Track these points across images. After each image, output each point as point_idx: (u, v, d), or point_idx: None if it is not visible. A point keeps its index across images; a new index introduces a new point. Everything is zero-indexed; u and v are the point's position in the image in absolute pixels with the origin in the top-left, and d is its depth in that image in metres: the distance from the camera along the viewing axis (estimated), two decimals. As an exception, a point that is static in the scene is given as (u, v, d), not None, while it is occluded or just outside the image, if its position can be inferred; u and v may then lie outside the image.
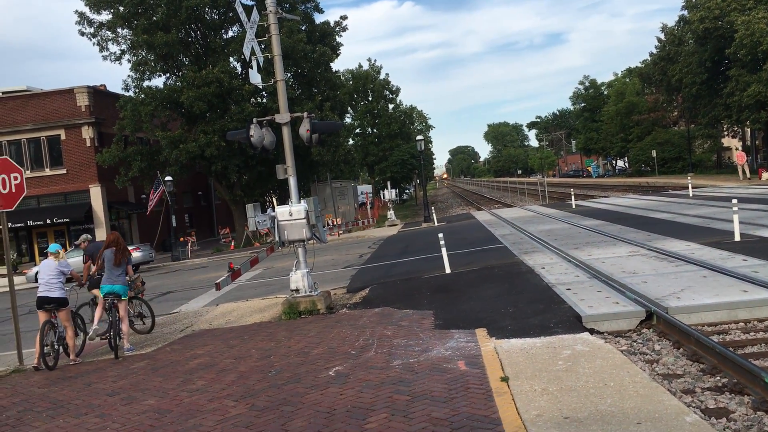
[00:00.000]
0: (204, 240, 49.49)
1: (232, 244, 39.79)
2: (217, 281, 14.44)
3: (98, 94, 41.78)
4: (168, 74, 41.07)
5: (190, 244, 38.63)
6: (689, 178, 39.19)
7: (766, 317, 8.71)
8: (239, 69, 40.69)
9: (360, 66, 76.11)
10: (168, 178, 36.25)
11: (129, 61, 39.46)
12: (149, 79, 39.73)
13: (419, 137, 40.29)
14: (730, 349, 7.17)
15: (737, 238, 14.53)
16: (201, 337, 11.95)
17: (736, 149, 60.31)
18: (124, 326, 11.44)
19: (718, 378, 6.71)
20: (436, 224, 34.26)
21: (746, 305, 8.88)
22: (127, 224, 43.83)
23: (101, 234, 37.09)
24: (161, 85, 39.54)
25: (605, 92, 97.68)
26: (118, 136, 38.46)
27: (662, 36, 59.79)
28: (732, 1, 45.22)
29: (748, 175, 41.70)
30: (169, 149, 36.98)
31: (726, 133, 62.79)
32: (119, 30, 39.52)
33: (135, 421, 7.24)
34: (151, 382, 8.98)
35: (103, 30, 39.36)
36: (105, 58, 40.11)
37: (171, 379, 8.93)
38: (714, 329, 8.55)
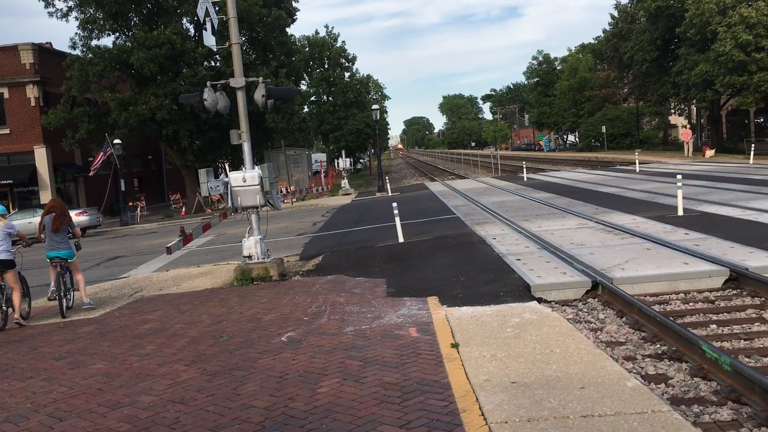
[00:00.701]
0: (154, 205, 48.59)
1: (183, 209, 39.20)
2: (168, 245, 14.25)
3: (44, 52, 40.29)
4: (117, 34, 39.86)
5: (139, 209, 37.90)
6: (636, 154, 40.15)
7: (705, 288, 9.07)
8: (192, 31, 39.75)
9: (317, 33, 75.21)
10: (117, 141, 35.39)
11: (76, 18, 38.11)
12: (98, 38, 38.55)
13: (375, 106, 40.20)
14: (670, 318, 7.46)
15: (680, 212, 15.00)
16: (151, 302, 11.82)
17: (683, 127, 61.86)
18: (81, 283, 11.74)
19: (659, 346, 6.99)
20: (390, 194, 34.38)
21: (687, 277, 9.22)
22: (73, 187, 42.70)
23: (46, 197, 36.07)
24: (110, 45, 38.42)
25: (559, 67, 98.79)
26: (65, 96, 37.20)
27: (615, 13, 60.58)
28: (684, -19, 45.99)
29: (691, 152, 42.90)
30: (118, 111, 35.99)
31: (673, 111, 64.32)
32: (66, -15, 38.07)
33: (83, 384, 7.16)
34: (99, 346, 8.87)
35: (49, -16, 37.85)
36: (51, 14, 38.65)
37: (120, 344, 8.84)
38: (656, 299, 8.87)
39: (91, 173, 36.97)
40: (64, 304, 11.27)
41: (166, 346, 8.41)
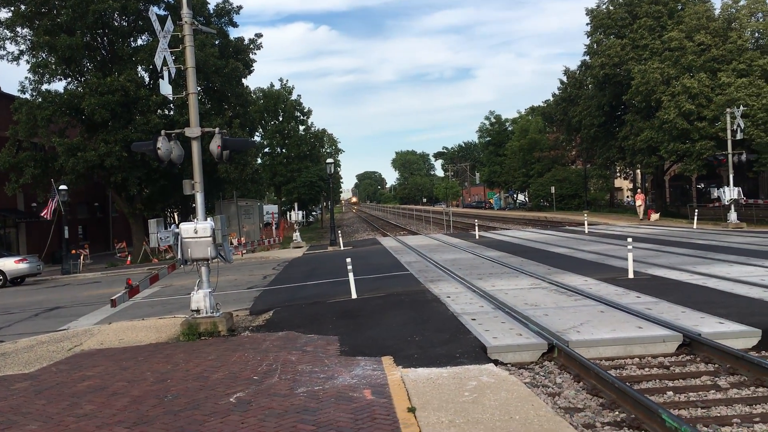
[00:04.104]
0: (98, 253, 47.20)
1: (129, 259, 38.13)
2: (112, 297, 13.67)
3: (-9, 94, 39.37)
4: (69, 79, 39.22)
5: (82, 257, 36.66)
6: (585, 215, 41.02)
7: (659, 353, 9.09)
8: (147, 79, 39.40)
9: (272, 85, 75.61)
10: (63, 186, 34.43)
11: (28, 62, 37.41)
12: (49, 83, 37.79)
13: (329, 160, 40.30)
14: (628, 384, 7.40)
15: (631, 275, 15.21)
16: (91, 357, 11.25)
17: (630, 190, 63.74)
18: None
19: (617, 413, 6.89)
20: (342, 248, 34.15)
21: (641, 341, 9.23)
22: (14, 233, 41.23)
23: (-16, 242, 34.65)
24: (62, 90, 37.70)
25: (510, 128, 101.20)
26: (10, 140, 36.23)
27: (565, 78, 62.70)
28: (630, 50, 48.03)
29: (643, 215, 44.10)
30: (65, 157, 35.11)
31: (619, 174, 66.31)
32: (18, 29, 37.47)
33: (13, 448, 6.66)
34: (34, 405, 8.32)
35: (1, 28, 37.21)
36: (1, 57, 37.88)
37: (56, 403, 8.32)
38: (611, 363, 8.83)
39: (49, 217, 35.55)
40: None
41: (106, 406, 7.94)
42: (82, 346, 12.30)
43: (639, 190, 52.88)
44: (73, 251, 35.70)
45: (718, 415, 6.74)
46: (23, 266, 29.81)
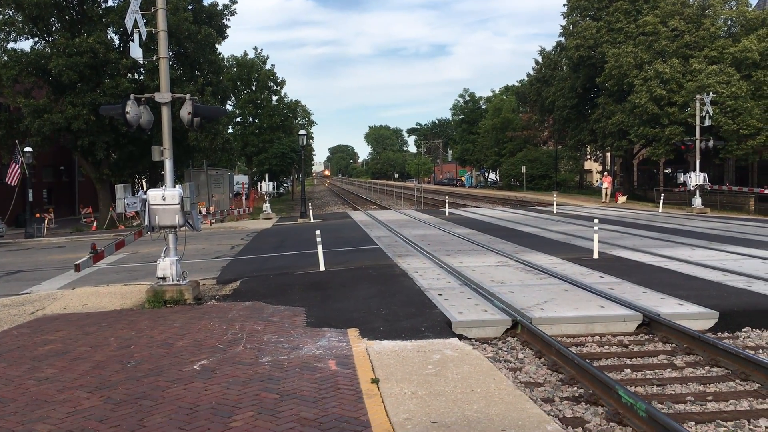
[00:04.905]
0: (63, 218, 46.41)
1: (95, 224, 37.54)
2: (76, 262, 13.53)
3: (-47, 51, 38.10)
4: (37, 38, 38.16)
5: (46, 221, 36.03)
6: (554, 195, 41.42)
7: (619, 332, 9.29)
8: (117, 42, 38.53)
9: (245, 54, 74.48)
10: (28, 149, 33.65)
11: (-7, 19, 36.29)
12: (15, 41, 36.76)
13: (302, 132, 39.88)
14: (587, 360, 7.56)
15: (596, 255, 15.45)
16: (53, 321, 11.13)
17: (599, 172, 64.46)
18: None
19: (576, 388, 7.05)
20: (312, 221, 34.08)
21: (602, 320, 9.42)
22: (-24, 195, 40.28)
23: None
24: (28, 49, 36.70)
25: (484, 107, 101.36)
26: (-26, 99, 35.29)
27: (540, 59, 62.83)
28: (605, 33, 48.23)
29: (608, 198, 44.65)
30: (31, 118, 34.29)
31: (589, 156, 66.99)
32: (-17, -15, 36.28)
33: (-28, 410, 6.59)
34: (-6, 368, 8.23)
35: (-35, -17, 35.98)
36: (-35, 13, 36.68)
37: (16, 366, 8.23)
38: (572, 341, 9.00)
39: (11, 182, 34.74)
40: None
41: (67, 370, 7.88)
42: (45, 311, 12.15)
43: (606, 173, 53.43)
44: (38, 215, 35.07)
45: (673, 393, 6.93)
46: (-15, 228, 29.21)
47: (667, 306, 9.84)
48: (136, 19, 12.55)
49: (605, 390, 6.52)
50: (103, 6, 39.39)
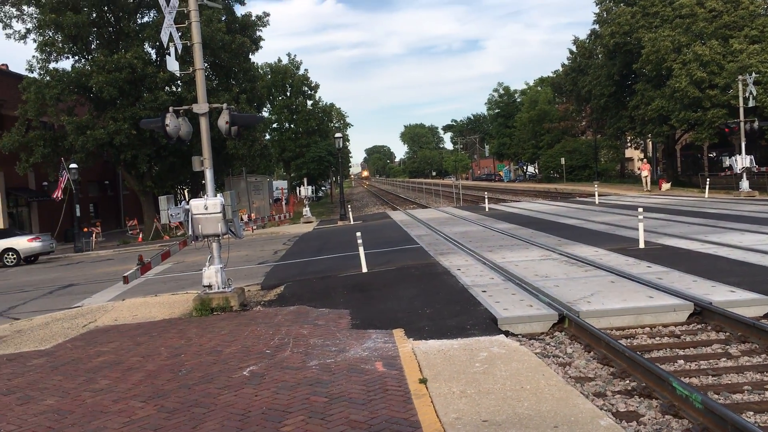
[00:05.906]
0: (110, 231, 47.50)
1: (140, 236, 38.36)
2: (125, 274, 13.81)
3: (-1, 74, 39.41)
4: (77, 57, 39.19)
5: (94, 235, 36.95)
6: (596, 185, 40.84)
7: (670, 323, 9.09)
8: (154, 56, 39.30)
9: (279, 60, 75.24)
10: (73, 165, 34.55)
11: (34, 40, 37.42)
12: (56, 61, 37.84)
13: (338, 135, 40.09)
14: (638, 353, 7.42)
15: (641, 245, 15.15)
16: (106, 333, 11.39)
17: (640, 160, 63.25)
18: None
19: (628, 382, 6.92)
20: (352, 223, 34.21)
21: (652, 311, 9.23)
22: (26, 212, 41.52)
23: (-3, 221, 34.98)
24: (69, 68, 37.67)
25: (519, 99, 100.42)
26: (20, 119, 36.32)
27: (574, 48, 61.97)
28: (641, 18, 47.35)
29: (649, 186, 43.81)
30: (75, 135, 35.24)
31: (629, 144, 65.82)
32: (24, 7, 37.37)
33: (32, 422, 6.77)
34: (50, 380, 8.46)
35: (7, 6, 37.11)
36: (8, 36, 38.18)
37: (72, 378, 8.45)
38: (622, 333, 8.84)
39: (57, 197, 35.72)
40: None
41: (121, 381, 8.05)
42: (97, 323, 12.44)
43: (645, 160, 52.27)
44: (85, 229, 35.97)
45: (729, 382, 6.76)
46: (36, 245, 30.06)
47: (719, 294, 9.60)
48: (171, 33, 12.76)
49: (658, 382, 6.39)
50: (139, 22, 40.31)
